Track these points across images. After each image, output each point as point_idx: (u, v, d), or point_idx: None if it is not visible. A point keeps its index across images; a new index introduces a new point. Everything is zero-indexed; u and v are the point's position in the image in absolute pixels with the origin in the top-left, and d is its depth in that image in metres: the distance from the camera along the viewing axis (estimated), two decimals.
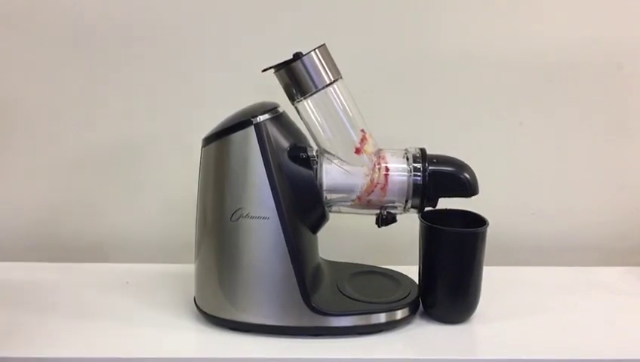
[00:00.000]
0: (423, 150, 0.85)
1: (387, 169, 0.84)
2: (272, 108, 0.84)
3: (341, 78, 0.84)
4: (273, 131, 0.83)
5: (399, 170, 0.84)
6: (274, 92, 0.85)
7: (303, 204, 0.83)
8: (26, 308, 0.90)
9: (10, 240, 1.11)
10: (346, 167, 0.84)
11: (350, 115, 0.84)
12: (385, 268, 0.97)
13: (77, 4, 1.05)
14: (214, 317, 0.85)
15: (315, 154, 0.85)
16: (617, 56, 1.09)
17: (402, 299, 0.88)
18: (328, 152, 0.85)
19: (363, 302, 0.86)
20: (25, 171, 1.11)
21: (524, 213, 1.14)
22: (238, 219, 0.82)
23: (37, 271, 1.03)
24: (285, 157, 0.83)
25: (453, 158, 0.86)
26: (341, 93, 0.83)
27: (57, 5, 1.05)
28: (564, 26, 1.08)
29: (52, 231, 1.12)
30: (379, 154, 0.85)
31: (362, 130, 0.84)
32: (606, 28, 1.08)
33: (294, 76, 0.82)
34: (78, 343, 0.82)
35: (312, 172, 0.83)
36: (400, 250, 0.96)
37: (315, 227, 0.87)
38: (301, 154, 0.83)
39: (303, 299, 0.82)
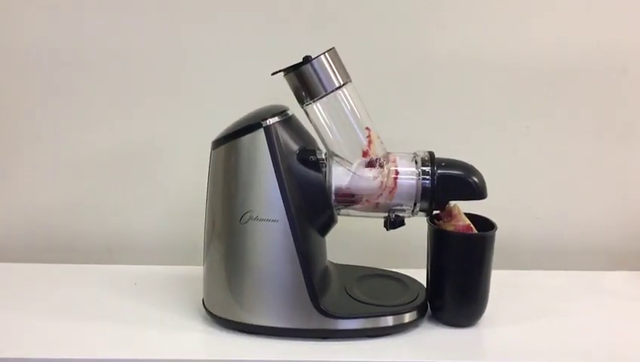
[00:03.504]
0: (431, 153, 0.86)
1: (396, 172, 0.84)
2: (281, 112, 0.84)
3: (350, 81, 0.84)
4: (282, 134, 0.83)
5: (408, 174, 0.84)
6: (283, 95, 0.85)
7: (311, 206, 0.83)
8: (33, 309, 0.90)
9: (17, 241, 1.12)
10: (355, 170, 0.84)
11: (359, 118, 0.84)
12: (393, 271, 0.97)
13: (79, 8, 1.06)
14: (223, 319, 0.85)
15: (324, 157, 0.85)
16: (622, 60, 1.09)
17: (410, 302, 0.88)
18: (337, 155, 0.85)
19: (371, 304, 0.86)
20: (33, 173, 1.11)
21: (529, 216, 1.14)
22: (247, 221, 0.82)
23: (44, 273, 1.03)
24: (294, 160, 0.83)
25: (461, 162, 0.86)
26: (350, 96, 0.83)
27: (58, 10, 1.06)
28: (569, 31, 1.08)
29: (60, 233, 1.12)
30: (388, 157, 0.85)
31: (369, 134, 0.84)
32: (610, 32, 1.08)
33: (304, 79, 0.82)
34: (86, 344, 0.82)
35: (321, 175, 0.83)
36: (408, 253, 0.96)
37: (324, 230, 0.87)
38: (310, 157, 0.84)
39: (312, 302, 0.83)
